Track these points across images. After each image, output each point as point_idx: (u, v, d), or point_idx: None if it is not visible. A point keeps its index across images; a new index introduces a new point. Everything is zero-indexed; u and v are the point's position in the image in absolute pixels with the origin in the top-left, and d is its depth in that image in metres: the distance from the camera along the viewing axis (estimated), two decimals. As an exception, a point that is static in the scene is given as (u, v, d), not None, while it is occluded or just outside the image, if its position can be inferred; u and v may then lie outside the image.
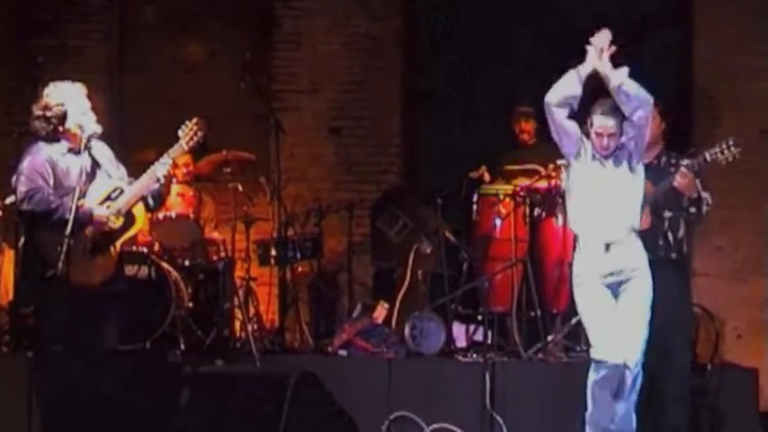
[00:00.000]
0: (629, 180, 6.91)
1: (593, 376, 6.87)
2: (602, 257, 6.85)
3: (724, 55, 9.89)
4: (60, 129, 6.88)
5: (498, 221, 8.78)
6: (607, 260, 6.85)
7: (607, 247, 6.84)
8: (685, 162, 7.23)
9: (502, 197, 8.81)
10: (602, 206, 6.86)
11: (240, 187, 9.20)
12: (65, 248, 6.45)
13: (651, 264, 6.93)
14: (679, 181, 7.11)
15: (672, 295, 7.25)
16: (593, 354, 6.87)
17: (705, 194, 7.30)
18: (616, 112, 6.82)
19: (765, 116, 9.78)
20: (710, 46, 9.94)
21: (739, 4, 9.92)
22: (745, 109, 9.76)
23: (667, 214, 7.31)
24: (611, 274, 6.85)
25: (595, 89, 6.94)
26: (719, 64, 9.92)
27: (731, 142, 7.08)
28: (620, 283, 6.88)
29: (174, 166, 7.05)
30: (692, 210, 7.31)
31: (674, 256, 7.34)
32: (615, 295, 6.88)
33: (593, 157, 6.91)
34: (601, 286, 6.86)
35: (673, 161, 7.35)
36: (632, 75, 6.83)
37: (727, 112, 9.76)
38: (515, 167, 9.17)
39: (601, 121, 6.84)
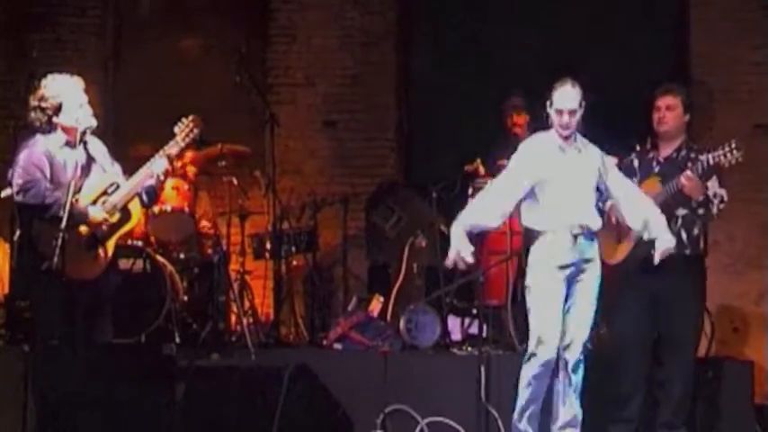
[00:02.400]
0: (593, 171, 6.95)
1: (529, 369, 6.91)
2: (568, 248, 6.86)
3: (721, 49, 9.91)
4: (55, 120, 6.87)
5: (493, 215, 8.76)
6: (571, 251, 6.86)
7: (575, 238, 6.86)
8: (693, 156, 7.22)
9: (497, 190, 8.79)
10: (570, 197, 6.88)
11: (235, 181, 9.18)
12: (60, 242, 6.43)
13: (665, 261, 6.90)
14: (683, 183, 7.08)
15: (685, 292, 7.24)
16: (532, 346, 6.90)
17: (721, 191, 7.25)
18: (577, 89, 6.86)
19: (759, 110, 9.80)
20: (707, 40, 9.95)
21: (736, -1, 9.96)
22: (739, 103, 9.78)
23: (681, 212, 7.26)
24: (571, 265, 6.87)
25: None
26: (716, 58, 9.93)
27: (734, 145, 7.05)
28: (576, 274, 6.90)
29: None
30: (701, 211, 7.27)
31: (687, 252, 7.29)
32: (569, 286, 6.90)
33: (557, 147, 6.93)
34: (559, 277, 6.87)
35: (692, 155, 7.29)
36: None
37: (721, 105, 9.78)
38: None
39: (562, 102, 6.86)
